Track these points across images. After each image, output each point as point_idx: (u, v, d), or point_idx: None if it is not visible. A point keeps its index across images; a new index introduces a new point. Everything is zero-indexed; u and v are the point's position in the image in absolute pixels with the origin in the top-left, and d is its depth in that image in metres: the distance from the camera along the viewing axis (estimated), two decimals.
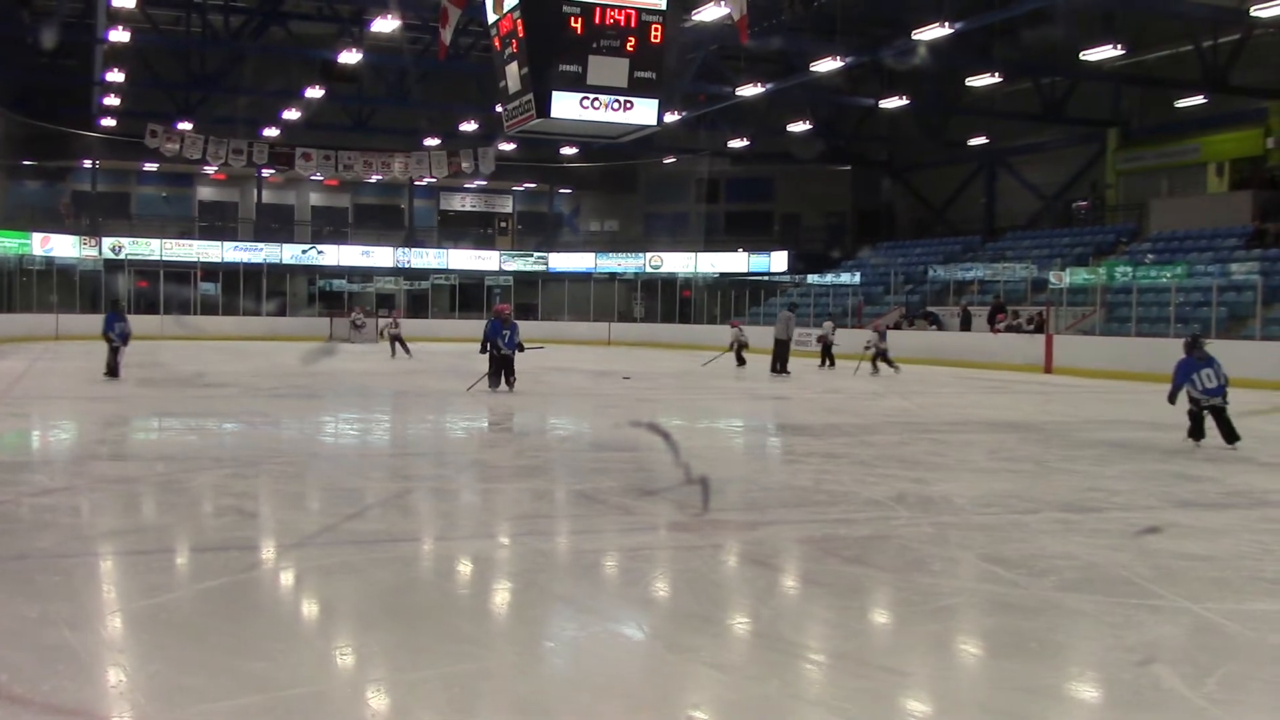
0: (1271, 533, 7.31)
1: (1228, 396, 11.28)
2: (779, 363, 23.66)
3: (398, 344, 29.41)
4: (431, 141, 40.44)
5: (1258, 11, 21.53)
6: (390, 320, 31.86)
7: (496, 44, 12.02)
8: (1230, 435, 11.23)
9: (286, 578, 5.98)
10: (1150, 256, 29.17)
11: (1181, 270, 26.77)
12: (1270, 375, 20.98)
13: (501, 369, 17.36)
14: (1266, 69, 30.03)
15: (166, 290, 41.32)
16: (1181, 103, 32.80)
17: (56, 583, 5.52)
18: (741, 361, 25.78)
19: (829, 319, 29.26)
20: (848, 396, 19.05)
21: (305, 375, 22.54)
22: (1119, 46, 25.74)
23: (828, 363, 26.46)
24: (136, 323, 38.54)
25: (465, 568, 6.25)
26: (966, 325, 30.81)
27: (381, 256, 45.97)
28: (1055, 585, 5.76)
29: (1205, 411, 11.32)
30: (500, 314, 17.90)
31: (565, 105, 11.15)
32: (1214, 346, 22.90)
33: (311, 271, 44.76)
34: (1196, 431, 11.45)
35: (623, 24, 11.08)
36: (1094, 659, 4.74)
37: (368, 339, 36.90)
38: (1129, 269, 28.32)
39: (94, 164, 42.92)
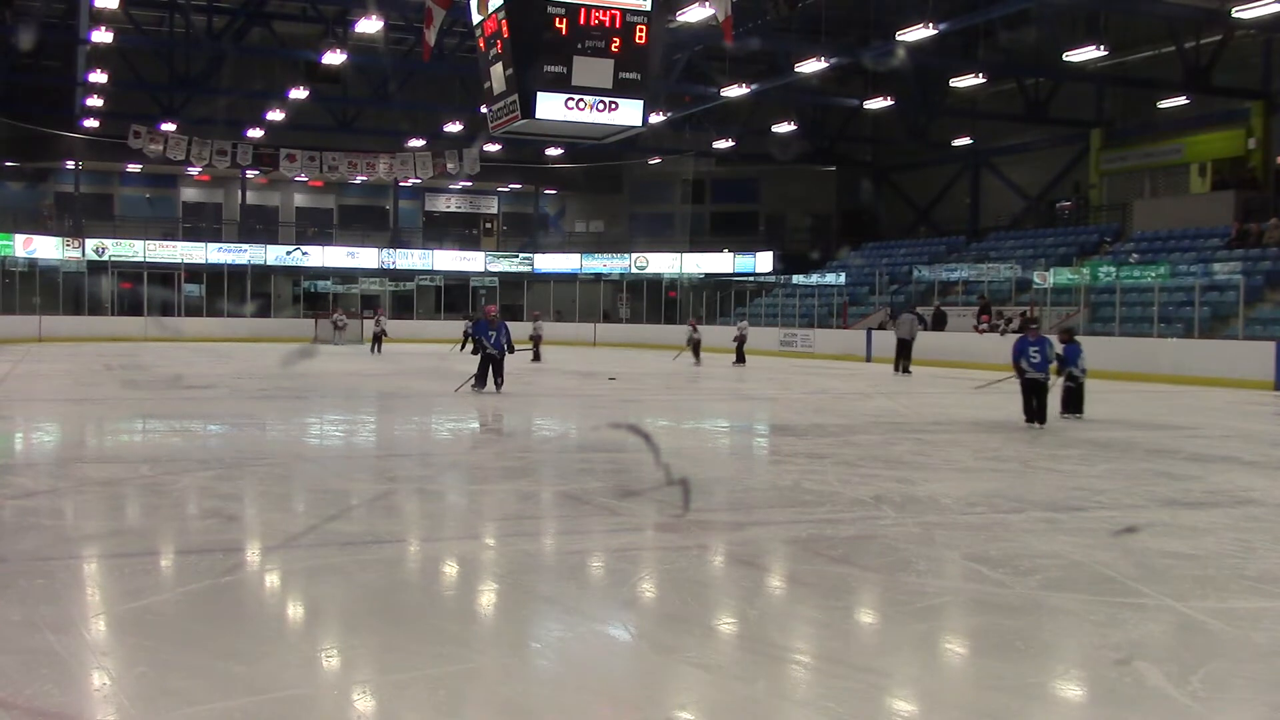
0: (1254, 531, 7.35)
1: (1051, 375, 13.44)
2: (902, 362, 25.21)
3: (378, 342, 32.10)
4: (416, 142, 40.40)
5: (1239, 13, 21.66)
6: (375, 319, 33.70)
7: (481, 45, 12.02)
8: (1041, 411, 13.24)
9: (272, 580, 5.96)
10: (1135, 256, 29.31)
11: (1164, 270, 26.90)
12: (1253, 374, 21.10)
13: (489, 369, 17.36)
14: (1248, 70, 30.23)
15: (150, 292, 41.14)
16: (1164, 103, 32.99)
17: (40, 586, 5.49)
18: (537, 357, 27.07)
19: (744, 319, 29.90)
20: (832, 397, 19.08)
21: (290, 377, 22.47)
22: (1102, 47, 25.87)
23: (740, 361, 27.47)
24: (120, 325, 38.94)
25: (451, 569, 6.24)
26: (940, 325, 30.93)
27: (366, 258, 45.89)
28: (1040, 584, 5.78)
29: (1031, 384, 13.29)
30: (486, 315, 17.91)
31: (550, 106, 11.16)
32: (1198, 346, 23.12)
33: (296, 273, 44.64)
34: (1029, 411, 13.25)
35: (607, 25, 11.09)
36: (1078, 657, 4.76)
37: (350, 340, 36.88)
38: (1112, 269, 28.44)
39: (77, 165, 42.73)
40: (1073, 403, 14.22)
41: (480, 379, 17.30)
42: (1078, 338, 14.57)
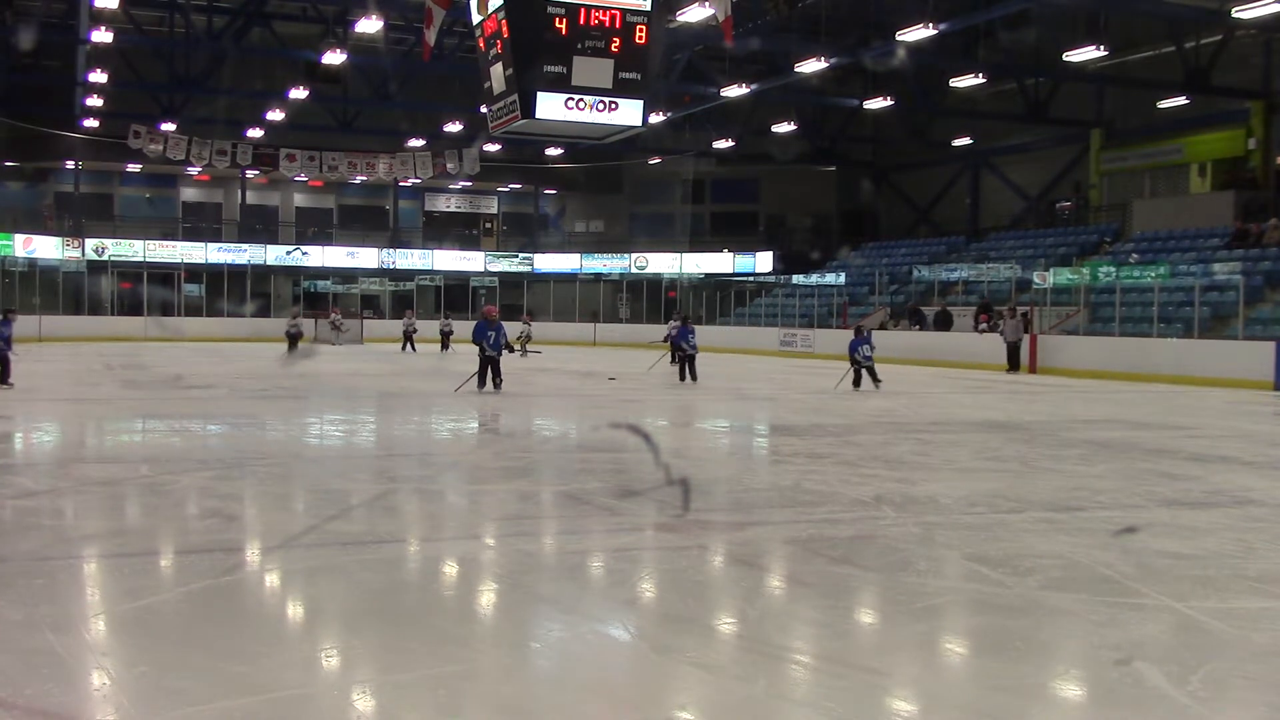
0: (1254, 531, 7.34)
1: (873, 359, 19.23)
2: (1013, 362, 25.97)
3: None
4: (416, 142, 40.40)
5: (1239, 13, 21.66)
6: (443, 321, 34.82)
7: (481, 45, 12.03)
8: (874, 380, 18.97)
9: (272, 579, 5.96)
10: (1135, 256, 29.29)
11: (1164, 270, 26.89)
12: (1253, 374, 21.09)
13: (488, 369, 17.37)
14: (1248, 70, 30.22)
15: (150, 292, 41.15)
16: (1164, 103, 32.98)
17: (40, 586, 5.49)
18: (407, 348, 28.83)
19: (677, 316, 30.03)
20: (831, 397, 19.07)
21: (290, 376, 22.46)
22: (1102, 47, 25.87)
23: (674, 359, 27.12)
24: (120, 325, 38.95)
25: (451, 569, 6.24)
26: (945, 325, 30.90)
27: (366, 257, 45.89)
28: (1040, 584, 5.77)
29: (862, 369, 19.05)
30: (486, 315, 17.92)
31: (550, 106, 11.17)
32: (1198, 346, 23.18)
33: (296, 273, 44.65)
34: (856, 381, 19.01)
35: (607, 25, 11.10)
36: (1078, 658, 4.76)
37: (348, 340, 36.92)
38: (1112, 269, 28.44)
39: (77, 165, 42.72)
40: (688, 371, 20.16)
41: (481, 379, 17.33)
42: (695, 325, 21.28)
